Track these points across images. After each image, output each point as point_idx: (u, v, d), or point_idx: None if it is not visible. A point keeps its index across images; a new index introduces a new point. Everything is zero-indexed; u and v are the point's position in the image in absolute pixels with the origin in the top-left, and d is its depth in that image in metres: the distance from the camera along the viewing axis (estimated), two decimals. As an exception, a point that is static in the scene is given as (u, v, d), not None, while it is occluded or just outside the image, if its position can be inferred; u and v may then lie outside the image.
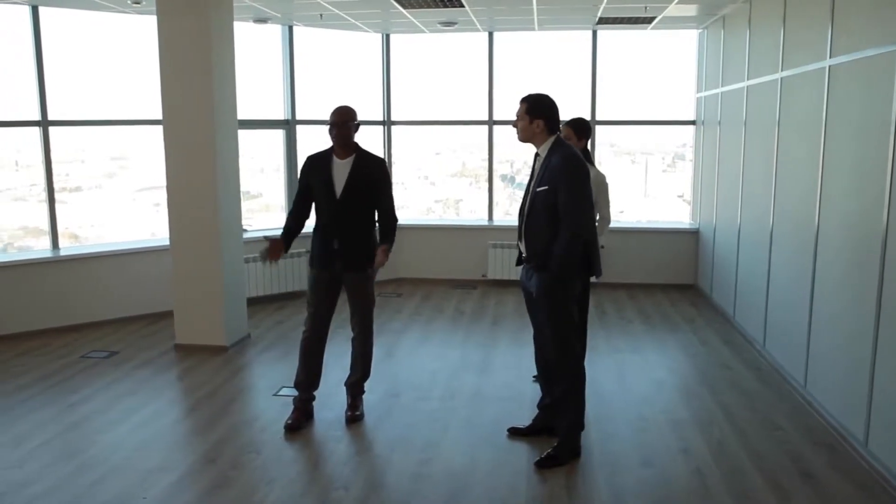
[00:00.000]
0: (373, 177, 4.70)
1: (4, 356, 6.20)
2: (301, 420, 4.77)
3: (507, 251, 8.60)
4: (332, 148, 4.71)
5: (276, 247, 4.63)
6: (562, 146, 4.14)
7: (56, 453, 4.39)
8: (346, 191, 4.62)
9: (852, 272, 4.41)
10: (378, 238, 4.75)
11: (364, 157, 4.72)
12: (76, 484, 4.00)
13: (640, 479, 4.04)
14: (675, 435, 4.60)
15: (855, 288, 4.38)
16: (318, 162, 4.71)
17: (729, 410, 5.00)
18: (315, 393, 4.92)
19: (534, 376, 5.36)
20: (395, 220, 4.83)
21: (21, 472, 4.14)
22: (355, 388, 4.96)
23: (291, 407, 4.92)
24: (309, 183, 4.72)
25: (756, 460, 4.25)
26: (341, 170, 4.65)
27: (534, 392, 5.20)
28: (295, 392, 4.91)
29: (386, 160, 9.16)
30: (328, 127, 4.64)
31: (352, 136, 4.66)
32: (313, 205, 4.79)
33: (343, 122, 4.61)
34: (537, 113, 4.13)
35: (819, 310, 4.92)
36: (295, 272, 8.04)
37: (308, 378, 4.85)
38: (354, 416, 4.84)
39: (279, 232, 4.76)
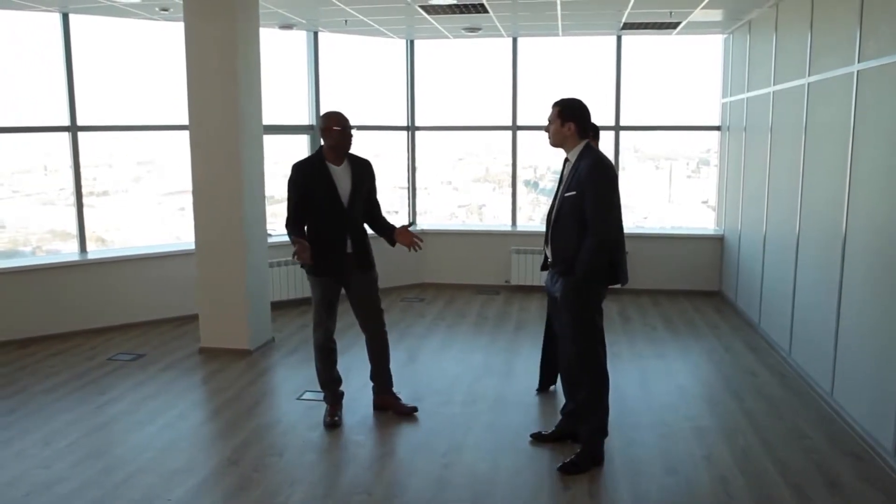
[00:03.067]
0: (371, 181, 4.83)
1: (35, 358, 6.29)
2: (338, 413, 4.89)
3: (530, 257, 8.59)
4: (320, 154, 4.69)
5: (304, 248, 4.51)
6: (591, 151, 4.14)
7: (83, 453, 4.44)
8: (352, 197, 4.68)
9: (881, 278, 4.36)
10: (384, 228, 4.87)
11: (358, 162, 4.78)
12: (102, 484, 4.05)
13: (663, 487, 4.01)
14: (699, 442, 4.56)
15: (883, 294, 4.32)
16: (312, 169, 4.68)
17: (754, 418, 4.95)
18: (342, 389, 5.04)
19: (536, 390, 5.42)
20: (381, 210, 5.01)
21: (49, 471, 4.20)
22: (389, 386, 5.07)
23: (314, 410, 4.99)
24: (304, 191, 4.66)
25: (781, 469, 4.20)
26: (342, 176, 4.67)
27: (556, 397, 5.20)
28: (315, 395, 4.98)
29: (409, 165, 9.22)
30: (325, 132, 4.61)
31: (351, 143, 4.69)
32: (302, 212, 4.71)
33: (346, 127, 4.62)
34: (569, 116, 4.13)
35: (846, 316, 4.86)
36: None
37: (331, 375, 4.95)
38: (412, 408, 5.00)
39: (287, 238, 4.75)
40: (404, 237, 4.78)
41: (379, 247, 4.93)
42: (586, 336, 4.15)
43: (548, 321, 5.36)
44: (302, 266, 4.69)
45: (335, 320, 4.92)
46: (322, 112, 8.08)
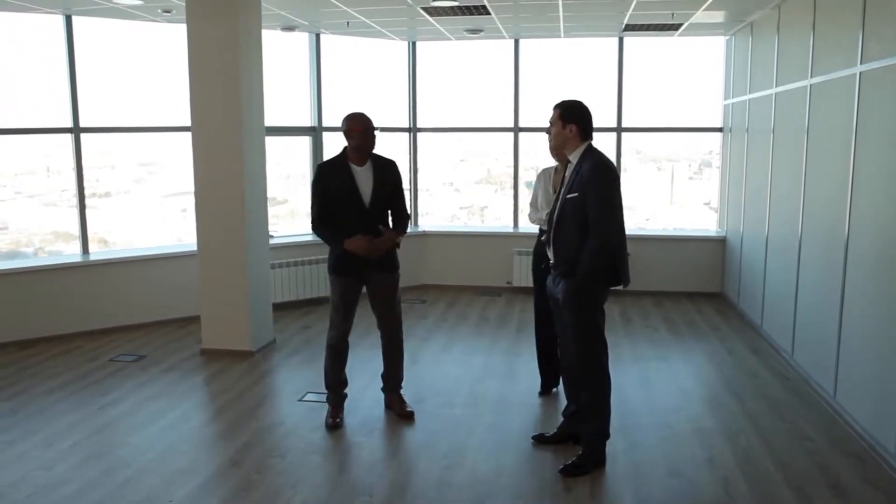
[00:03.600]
0: (394, 181, 4.81)
1: (37, 359, 6.30)
2: (339, 415, 4.88)
3: (532, 258, 8.56)
4: (344, 155, 4.72)
5: (359, 244, 4.57)
6: (593, 153, 4.13)
7: (85, 455, 4.45)
8: (374, 198, 4.68)
9: (883, 280, 4.35)
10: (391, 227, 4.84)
11: (381, 163, 4.78)
12: (104, 485, 4.05)
13: (666, 489, 4.01)
14: (702, 444, 4.55)
15: (886, 296, 4.31)
16: (335, 170, 4.71)
17: (756, 420, 4.94)
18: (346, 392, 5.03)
19: (539, 393, 5.41)
20: (408, 216, 4.95)
21: (51, 473, 4.20)
22: (398, 387, 5.09)
23: (316, 412, 5.01)
24: (328, 191, 4.70)
25: (784, 471, 4.19)
26: (364, 177, 4.68)
27: (558, 399, 5.19)
28: (317, 396, 4.98)
29: (411, 167, 9.22)
30: (348, 133, 4.64)
31: (374, 144, 4.70)
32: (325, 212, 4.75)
33: (369, 129, 4.64)
34: (570, 118, 4.13)
35: (849, 318, 4.85)
36: (320, 278, 8.07)
37: (339, 378, 4.95)
38: (410, 412, 4.98)
39: (329, 237, 4.77)
40: (391, 234, 4.76)
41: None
42: (588, 337, 4.15)
43: (537, 323, 5.36)
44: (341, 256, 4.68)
45: (352, 322, 4.90)
46: (324, 112, 8.07)
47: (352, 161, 4.69)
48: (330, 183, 4.68)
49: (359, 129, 4.61)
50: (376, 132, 4.68)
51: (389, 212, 4.83)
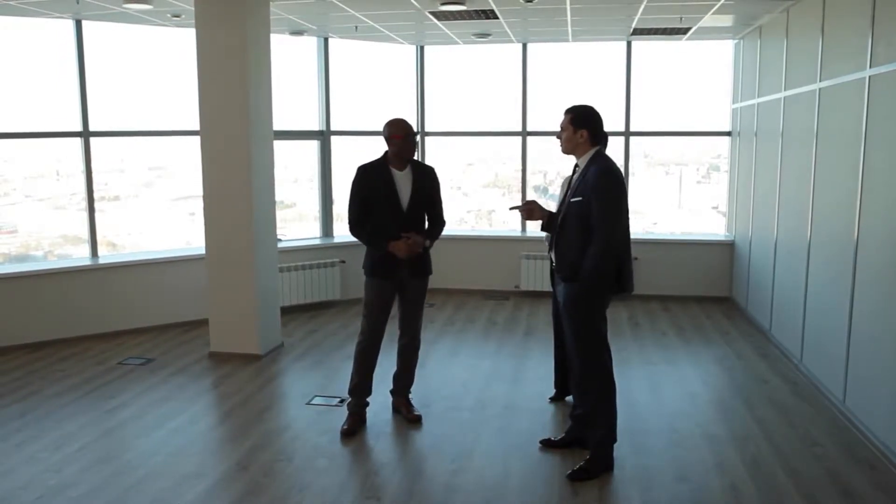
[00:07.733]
0: (432, 186, 4.85)
1: (46, 362, 6.32)
2: (356, 425, 4.84)
3: (540, 262, 8.57)
4: (385, 159, 4.75)
5: (400, 246, 4.62)
6: (600, 158, 4.12)
7: (93, 458, 4.46)
8: (412, 202, 4.72)
9: (893, 284, 4.32)
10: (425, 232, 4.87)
11: (420, 169, 4.84)
12: (112, 488, 4.06)
13: (673, 494, 3.99)
14: (710, 449, 4.53)
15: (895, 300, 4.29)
16: (375, 173, 4.73)
17: (765, 425, 4.92)
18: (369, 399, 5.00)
19: (549, 398, 5.37)
20: (444, 223, 4.95)
21: (59, 475, 4.22)
22: (407, 391, 5.09)
23: (324, 415, 5.01)
24: (367, 193, 4.72)
25: (793, 477, 4.17)
26: (403, 181, 4.72)
27: (566, 403, 5.18)
28: (324, 400, 4.96)
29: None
30: (389, 139, 4.67)
31: (415, 150, 4.74)
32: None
33: (409, 135, 4.67)
34: (581, 123, 4.13)
35: (858, 323, 4.83)
36: (328, 281, 8.09)
37: (365, 384, 4.92)
38: (418, 416, 4.98)
39: (367, 239, 4.77)
40: (417, 237, 4.75)
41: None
42: (589, 342, 4.14)
43: (556, 331, 5.34)
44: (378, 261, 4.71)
45: (384, 325, 4.89)
46: (332, 116, 8.07)
47: (392, 166, 4.73)
48: (370, 185, 4.72)
49: (399, 135, 4.65)
50: (416, 138, 4.73)
51: (426, 217, 4.87)
